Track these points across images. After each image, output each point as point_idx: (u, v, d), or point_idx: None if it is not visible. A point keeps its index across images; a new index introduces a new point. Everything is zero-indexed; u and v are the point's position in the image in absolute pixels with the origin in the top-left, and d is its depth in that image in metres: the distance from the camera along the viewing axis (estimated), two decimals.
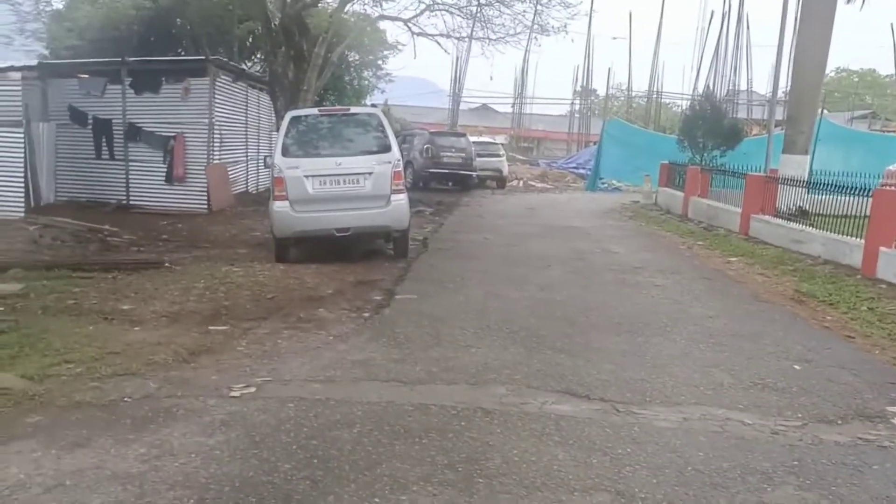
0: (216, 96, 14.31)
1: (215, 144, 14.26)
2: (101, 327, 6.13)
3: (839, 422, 4.37)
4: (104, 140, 14.19)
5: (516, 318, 6.74)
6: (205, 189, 14.07)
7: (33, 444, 3.86)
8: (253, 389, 4.74)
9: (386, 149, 9.42)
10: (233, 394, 4.66)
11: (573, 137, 48.48)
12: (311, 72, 14.57)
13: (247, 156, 16.71)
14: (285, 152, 9.20)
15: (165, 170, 13.87)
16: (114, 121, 14.22)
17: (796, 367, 5.42)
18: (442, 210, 16.36)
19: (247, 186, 16.80)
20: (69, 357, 5.20)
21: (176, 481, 3.46)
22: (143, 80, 14.13)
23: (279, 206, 9.07)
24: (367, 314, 6.90)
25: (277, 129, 11.00)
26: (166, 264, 9.16)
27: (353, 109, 10.81)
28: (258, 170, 17.33)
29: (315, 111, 10.19)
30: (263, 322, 6.54)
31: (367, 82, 26.79)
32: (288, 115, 9.75)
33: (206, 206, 14.03)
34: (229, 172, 15.20)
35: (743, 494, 3.43)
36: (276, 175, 9.16)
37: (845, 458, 3.86)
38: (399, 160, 9.52)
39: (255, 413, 4.34)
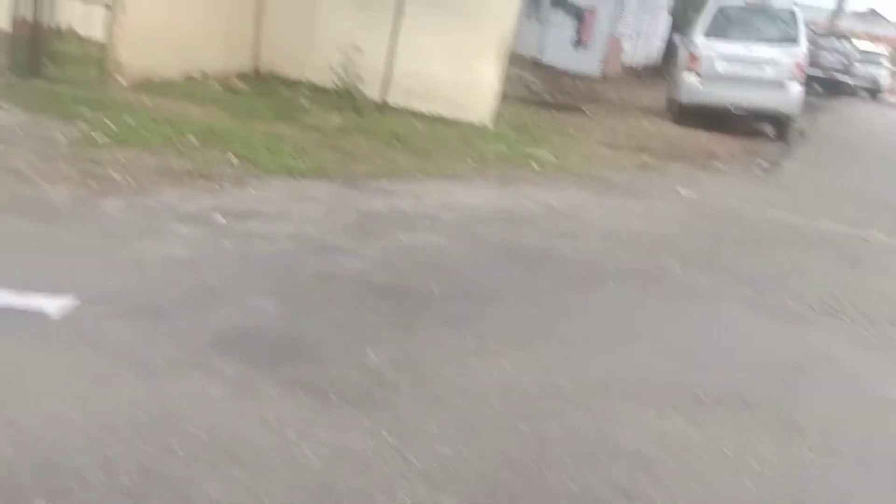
0: None
1: (618, 20, 16.41)
2: (570, 140, 8.97)
3: None
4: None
5: (890, 198, 8.16)
6: (602, 57, 16.48)
7: (572, 186, 6.70)
8: (694, 196, 7.12)
9: (794, 42, 10.73)
10: (682, 192, 7.10)
11: None
12: None
13: (637, 34, 18.63)
14: (706, 34, 11.03)
15: (575, 35, 16.48)
16: None
17: None
18: (813, 109, 16.82)
19: (630, 60, 18.87)
20: (568, 151, 8.09)
21: (666, 221, 6.01)
22: None
23: (690, 78, 11.07)
24: (759, 173, 8.84)
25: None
26: (584, 111, 11.87)
27: (773, 3, 11.95)
28: (636, 46, 19.22)
29: (741, 2, 11.64)
30: (675, 162, 8.83)
31: None
32: (715, 3, 11.43)
33: (599, 72, 16.49)
34: (622, 45, 17.37)
35: None
36: (692, 52, 11.09)
37: None
38: (804, 54, 10.79)
39: (700, 206, 6.74)
